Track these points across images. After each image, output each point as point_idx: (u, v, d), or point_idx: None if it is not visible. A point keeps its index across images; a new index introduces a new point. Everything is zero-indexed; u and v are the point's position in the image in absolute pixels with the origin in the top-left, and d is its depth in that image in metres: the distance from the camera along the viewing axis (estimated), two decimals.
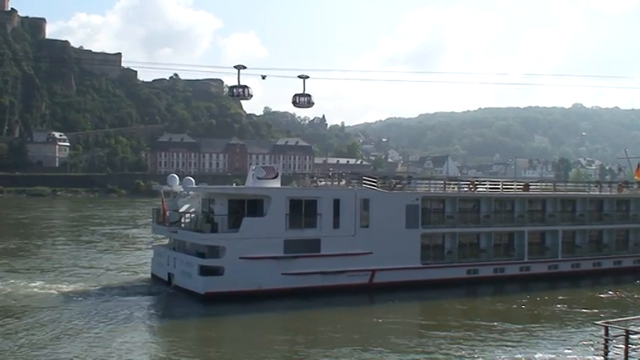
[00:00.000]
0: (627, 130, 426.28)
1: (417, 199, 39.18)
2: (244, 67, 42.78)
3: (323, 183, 42.16)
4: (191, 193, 39.70)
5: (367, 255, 36.72)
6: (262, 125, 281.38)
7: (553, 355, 25.07)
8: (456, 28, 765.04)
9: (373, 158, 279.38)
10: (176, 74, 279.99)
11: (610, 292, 39.16)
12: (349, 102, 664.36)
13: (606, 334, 18.29)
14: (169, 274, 36.99)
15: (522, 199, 44.06)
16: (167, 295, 35.25)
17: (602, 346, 18.39)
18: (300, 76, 45.90)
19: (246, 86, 44.71)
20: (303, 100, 46.73)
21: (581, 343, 26.98)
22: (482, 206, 42.36)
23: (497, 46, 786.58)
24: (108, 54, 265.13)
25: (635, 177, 56.68)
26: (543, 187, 51.10)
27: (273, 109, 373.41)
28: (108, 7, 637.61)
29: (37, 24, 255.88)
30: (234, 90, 45.20)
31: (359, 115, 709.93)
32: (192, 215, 37.80)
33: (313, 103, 47.33)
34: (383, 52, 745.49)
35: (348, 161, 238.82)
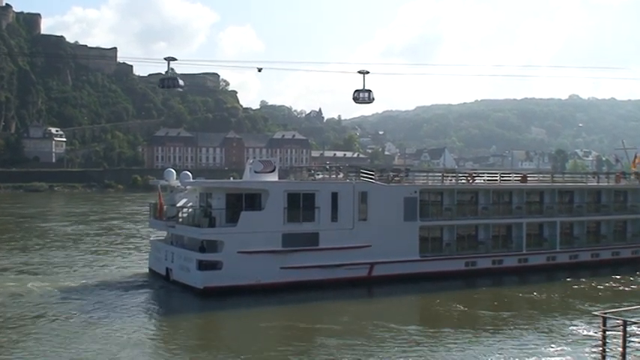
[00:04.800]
0: (624, 121, 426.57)
1: (415, 192, 39.18)
2: (174, 59, 43.32)
3: (320, 176, 42.11)
4: (188, 187, 39.63)
5: (366, 248, 36.73)
6: (259, 119, 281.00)
7: (552, 346, 25.15)
8: (453, 19, 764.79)
9: (370, 151, 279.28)
10: (172, 68, 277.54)
11: (608, 283, 39.24)
12: (345, 95, 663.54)
13: (604, 324, 18.30)
14: (167, 268, 36.98)
15: (520, 190, 44.10)
16: (165, 290, 35.23)
17: (600, 336, 18.41)
18: (359, 72, 45.82)
19: (175, 78, 45.16)
20: (364, 95, 46.56)
21: (579, 333, 27.09)
22: (480, 198, 42.40)
23: (494, 37, 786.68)
24: (103, 49, 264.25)
25: (632, 168, 56.73)
26: (541, 178, 51.14)
27: (270, 103, 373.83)
28: (103, 1, 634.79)
29: (33, 19, 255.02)
30: (165, 81, 45.49)
31: (355, 108, 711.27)
32: (190, 210, 37.76)
33: (374, 99, 47.02)
34: (379, 43, 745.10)
35: (345, 154, 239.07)
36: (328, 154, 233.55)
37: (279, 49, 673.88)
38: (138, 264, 43.75)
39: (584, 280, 40.24)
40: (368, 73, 46.04)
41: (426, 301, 34.78)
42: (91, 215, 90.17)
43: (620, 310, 20.22)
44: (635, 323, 18.11)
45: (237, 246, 33.58)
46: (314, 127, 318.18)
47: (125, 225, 74.86)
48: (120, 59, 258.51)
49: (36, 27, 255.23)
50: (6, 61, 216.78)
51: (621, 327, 17.61)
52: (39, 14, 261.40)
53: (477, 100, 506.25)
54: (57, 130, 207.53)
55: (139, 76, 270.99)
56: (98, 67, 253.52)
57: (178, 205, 38.89)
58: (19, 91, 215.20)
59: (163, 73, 45.38)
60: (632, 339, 17.85)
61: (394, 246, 37.61)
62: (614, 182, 50.49)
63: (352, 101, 47.20)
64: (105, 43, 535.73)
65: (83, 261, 45.48)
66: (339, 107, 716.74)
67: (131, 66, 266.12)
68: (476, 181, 43.76)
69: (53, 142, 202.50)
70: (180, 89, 46.86)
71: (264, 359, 24.06)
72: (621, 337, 17.49)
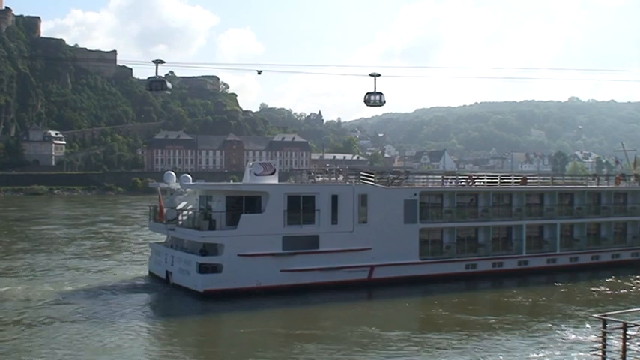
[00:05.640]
0: (624, 123, 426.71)
1: (415, 195, 39.21)
2: (162, 62, 43.17)
3: (320, 179, 42.15)
4: (188, 190, 39.64)
5: (366, 251, 36.75)
6: (258, 122, 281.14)
7: (551, 348, 25.15)
8: (453, 22, 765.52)
9: (370, 154, 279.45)
10: (172, 71, 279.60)
11: (608, 285, 39.27)
12: (345, 97, 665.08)
13: (604, 326, 18.29)
14: (167, 271, 36.97)
15: (520, 193, 44.11)
16: (165, 293, 35.24)
17: (600, 338, 18.40)
18: (371, 74, 45.50)
19: (163, 80, 44.85)
20: (375, 98, 46.12)
21: (579, 335, 27.10)
22: (480, 201, 42.42)
23: (493, 40, 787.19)
24: (103, 52, 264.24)
25: (633, 170, 56.77)
26: (541, 180, 51.17)
27: (270, 105, 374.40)
28: (103, 5, 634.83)
29: (32, 22, 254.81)
30: (153, 84, 45.24)
31: (355, 110, 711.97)
32: (190, 212, 37.77)
33: (385, 102, 46.68)
34: (379, 46, 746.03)
35: (344, 157, 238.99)
36: (328, 156, 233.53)
37: (279, 52, 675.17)
38: (138, 267, 43.74)
39: (584, 282, 40.27)
40: (379, 75, 45.58)
41: (425, 304, 34.77)
42: (90, 218, 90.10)
43: (620, 312, 20.22)
44: (635, 325, 18.09)
45: (238, 249, 33.59)
46: (314, 130, 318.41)
47: (125, 228, 74.83)
48: (119, 62, 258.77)
49: (36, 30, 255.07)
50: (6, 64, 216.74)
51: (621, 329, 17.61)
52: (39, 17, 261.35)
53: (476, 103, 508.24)
54: (57, 133, 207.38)
55: (139, 79, 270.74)
56: (98, 70, 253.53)
57: (178, 208, 38.89)
58: (18, 95, 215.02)
59: (163, 75, 44.87)
60: (632, 341, 17.83)
61: (394, 248, 37.62)
62: (614, 184, 50.54)
63: (363, 104, 46.57)
64: (104, 46, 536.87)
65: (82, 264, 45.46)
66: (339, 110, 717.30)
67: (131, 69, 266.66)
68: (476, 184, 43.82)
69: (53, 145, 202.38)
70: (168, 92, 46.72)
71: None
72: (621, 339, 17.49)
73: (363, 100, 46.25)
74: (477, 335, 27.32)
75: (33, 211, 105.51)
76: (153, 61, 42.36)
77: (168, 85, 44.86)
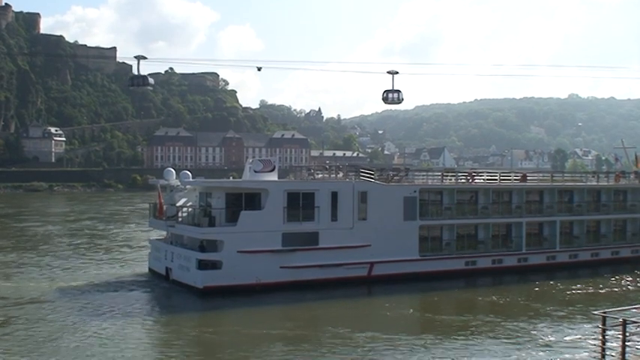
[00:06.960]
0: (623, 120, 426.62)
1: (415, 191, 39.21)
2: (144, 58, 42.93)
3: (320, 176, 42.14)
4: (188, 187, 39.66)
5: (365, 247, 36.75)
6: (258, 118, 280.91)
7: (551, 345, 25.16)
8: (453, 19, 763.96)
9: (370, 150, 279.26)
10: (171, 68, 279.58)
11: (607, 282, 39.28)
12: (345, 94, 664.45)
13: (604, 323, 18.31)
14: (167, 268, 37.00)
15: (520, 190, 44.11)
16: (165, 290, 35.25)
17: (600, 335, 18.41)
18: (389, 72, 45.20)
19: (145, 77, 44.55)
20: (393, 96, 45.89)
21: (579, 332, 27.14)
22: (479, 198, 42.41)
23: (493, 37, 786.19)
24: (103, 48, 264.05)
25: (637, 167, 56.64)
26: (541, 178, 51.12)
27: (269, 102, 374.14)
28: (102, 1, 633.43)
29: (32, 19, 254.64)
30: (134, 80, 44.94)
31: (355, 107, 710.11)
32: (190, 209, 37.79)
33: (403, 99, 46.39)
34: (379, 43, 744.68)
35: (344, 154, 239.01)
36: (328, 153, 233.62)
37: (279, 49, 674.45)
38: (137, 263, 43.74)
39: (583, 279, 40.27)
40: (397, 73, 45.21)
41: (425, 301, 34.78)
42: (89, 214, 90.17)
43: (620, 310, 20.23)
44: (634, 322, 18.10)
45: (237, 245, 33.60)
46: (313, 127, 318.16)
47: (125, 225, 74.80)
48: (119, 59, 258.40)
49: (35, 26, 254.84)
50: (5, 60, 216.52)
51: (621, 326, 17.62)
52: (38, 14, 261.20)
53: (476, 100, 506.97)
54: (56, 130, 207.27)
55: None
56: (98, 66, 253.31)
57: (178, 204, 38.92)
58: (18, 91, 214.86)
59: (162, 72, 44.87)
60: (632, 338, 17.85)
61: (394, 245, 37.63)
62: (614, 181, 50.53)
63: (382, 101, 46.24)
64: (104, 43, 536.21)
65: (82, 261, 45.50)
66: (339, 106, 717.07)
67: (130, 65, 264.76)
68: (475, 181, 43.80)
69: (53, 141, 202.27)
70: (150, 87, 46.65)
71: None
72: (621, 337, 17.50)
73: (381, 97, 46.03)
74: (476, 334, 27.30)
75: (22, 208, 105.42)
76: (135, 57, 42.24)
77: (151, 81, 44.73)
